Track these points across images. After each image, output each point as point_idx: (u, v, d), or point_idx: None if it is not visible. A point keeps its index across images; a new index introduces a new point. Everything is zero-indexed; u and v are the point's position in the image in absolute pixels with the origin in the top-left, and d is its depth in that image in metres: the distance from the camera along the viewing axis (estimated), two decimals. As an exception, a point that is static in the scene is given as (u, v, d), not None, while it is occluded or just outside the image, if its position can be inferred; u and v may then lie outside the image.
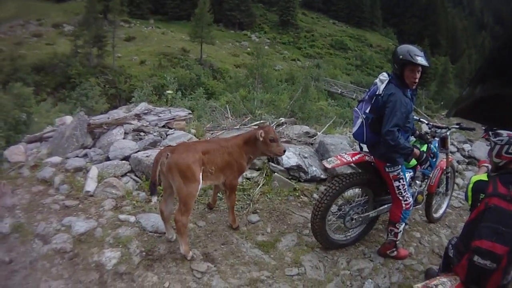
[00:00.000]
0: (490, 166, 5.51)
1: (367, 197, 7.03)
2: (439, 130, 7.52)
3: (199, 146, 6.57)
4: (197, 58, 75.54)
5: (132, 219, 7.51)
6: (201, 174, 6.28)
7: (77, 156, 9.90)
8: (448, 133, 7.70)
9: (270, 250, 6.94)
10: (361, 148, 7.20)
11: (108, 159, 9.49)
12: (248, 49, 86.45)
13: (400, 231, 6.79)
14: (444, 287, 4.87)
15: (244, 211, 7.89)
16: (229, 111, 14.00)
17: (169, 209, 6.72)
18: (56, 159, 9.64)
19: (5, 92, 24.57)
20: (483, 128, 4.88)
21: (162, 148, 8.36)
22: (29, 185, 8.84)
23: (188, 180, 6.14)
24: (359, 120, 6.47)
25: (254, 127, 10.92)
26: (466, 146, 13.78)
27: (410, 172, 6.95)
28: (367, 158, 6.62)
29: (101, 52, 69.01)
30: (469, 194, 5.26)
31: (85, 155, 9.94)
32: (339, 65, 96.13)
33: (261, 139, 6.76)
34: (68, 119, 11.93)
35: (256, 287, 6.14)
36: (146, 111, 11.57)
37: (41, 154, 10.14)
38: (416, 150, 6.37)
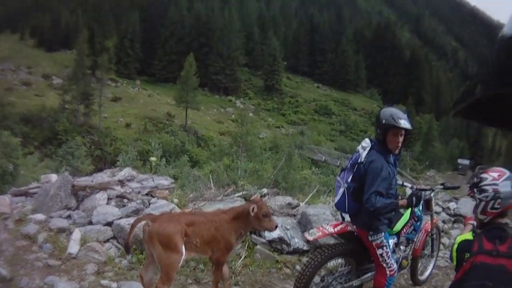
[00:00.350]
0: (475, 223, 5.55)
1: (350, 266, 6.99)
2: (423, 193, 7.55)
3: (183, 218, 6.55)
4: (182, 124, 76.33)
5: (114, 285, 7.47)
6: (183, 245, 6.22)
7: (60, 217, 9.91)
8: (432, 195, 7.75)
9: None
10: (343, 218, 7.11)
11: (91, 223, 9.50)
12: (233, 115, 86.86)
13: None
14: None
15: (227, 283, 7.61)
16: (212, 181, 13.99)
17: (149, 277, 6.61)
18: (40, 216, 9.66)
19: None
20: (468, 185, 4.95)
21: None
22: (13, 239, 8.85)
23: (169, 251, 6.11)
24: (341, 190, 6.53)
25: (237, 198, 11.04)
26: (452, 204, 13.76)
27: (393, 239, 6.95)
28: (349, 228, 6.62)
29: (88, 111, 69.73)
30: (454, 254, 5.29)
31: (69, 217, 9.96)
32: (323, 131, 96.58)
33: (252, 214, 6.51)
34: (53, 177, 11.97)
35: None
36: (130, 178, 11.63)
37: (26, 209, 10.17)
38: (401, 201, 6.35)
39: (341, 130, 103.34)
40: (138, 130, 70.43)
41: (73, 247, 8.42)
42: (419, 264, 8.40)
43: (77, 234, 8.80)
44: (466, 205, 13.09)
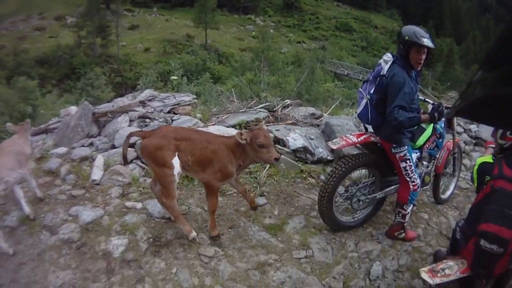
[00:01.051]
0: (496, 148, 5.45)
1: (374, 178, 7.05)
2: (444, 108, 7.45)
3: (175, 133, 6.41)
4: (202, 44, 75.33)
5: (139, 205, 7.56)
6: (174, 160, 6.19)
7: (82, 146, 9.97)
8: None
9: (277, 233, 6.98)
10: (366, 129, 7.06)
11: (114, 147, 9.57)
12: (253, 32, 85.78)
13: (408, 212, 6.82)
14: (451, 271, 4.88)
15: (251, 194, 7.78)
16: (234, 94, 14.05)
17: (158, 188, 6.76)
18: (62, 149, 9.71)
19: (9, 86, 24.57)
20: None
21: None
22: (35, 177, 8.80)
23: (160, 165, 6.17)
24: (364, 101, 6.49)
25: (260, 110, 10.96)
26: (473, 127, 13.62)
27: (416, 153, 6.94)
28: (372, 138, 6.59)
29: (105, 42, 69.14)
30: (475, 176, 5.23)
31: (91, 144, 10.03)
32: (345, 47, 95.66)
33: (242, 142, 6.18)
34: (73, 109, 11.94)
35: (263, 271, 6.21)
36: (151, 98, 11.60)
37: (47, 145, 10.22)
38: (424, 115, 6.29)
39: (363, 46, 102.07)
40: (157, 54, 69.83)
41: (96, 174, 8.48)
42: (441, 183, 8.43)
43: (99, 160, 8.85)
44: (487, 130, 12.65)
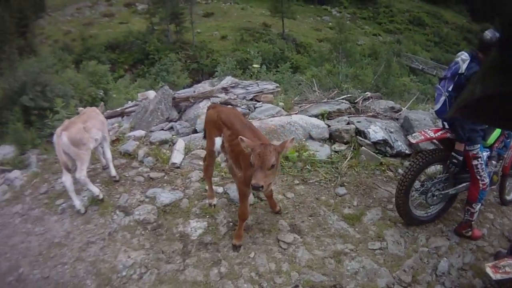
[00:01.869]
0: None
1: (447, 174, 7.01)
2: None
3: (226, 116, 6.31)
4: (279, 33, 74.97)
5: (220, 189, 7.68)
6: (214, 135, 6.42)
7: (162, 130, 10.16)
8: None
9: (355, 223, 7.03)
10: (443, 125, 7.06)
11: (195, 131, 9.76)
12: (330, 23, 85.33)
13: (476, 211, 6.80)
14: (511, 269, 4.89)
15: (332, 184, 7.93)
16: (315, 84, 14.01)
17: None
18: (139, 132, 9.93)
19: (79, 70, 24.91)
20: None
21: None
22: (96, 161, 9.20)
23: (207, 134, 6.72)
24: (442, 98, 6.49)
25: (342, 101, 11.01)
26: None
27: (487, 152, 6.92)
28: (448, 135, 6.60)
29: (179, 29, 69.25)
30: None
31: (171, 128, 10.19)
32: (419, 41, 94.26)
33: (244, 150, 5.48)
34: (151, 93, 12.15)
35: (339, 260, 6.26)
36: (233, 85, 11.72)
37: (123, 128, 10.48)
38: None
39: (435, 41, 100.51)
40: (234, 41, 69.20)
41: (177, 157, 8.65)
42: (507, 183, 8.29)
43: (180, 144, 8.99)
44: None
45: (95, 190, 7.77)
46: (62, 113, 11.62)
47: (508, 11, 1.61)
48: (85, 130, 7.68)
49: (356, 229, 6.88)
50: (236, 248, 6.45)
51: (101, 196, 7.79)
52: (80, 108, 8.92)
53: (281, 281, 5.93)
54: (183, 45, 66.82)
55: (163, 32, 68.57)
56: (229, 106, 10.50)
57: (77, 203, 7.63)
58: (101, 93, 20.25)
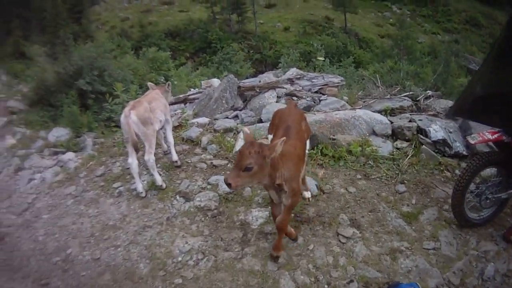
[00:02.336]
0: None
1: (501, 178, 6.89)
2: None
3: (281, 117, 6.19)
4: (342, 27, 74.49)
5: None
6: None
7: (226, 118, 10.19)
8: None
9: (412, 221, 7.00)
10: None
11: (260, 121, 9.77)
12: (391, 20, 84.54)
13: None
14: None
15: (393, 181, 7.93)
16: (379, 80, 13.96)
17: None
18: (203, 119, 10.02)
19: (138, 57, 25.07)
20: None
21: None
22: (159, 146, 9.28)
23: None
24: None
25: (404, 98, 10.97)
26: None
27: None
28: (504, 138, 6.56)
29: (241, 19, 69.35)
30: None
31: (235, 117, 10.22)
32: (475, 42, 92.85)
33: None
34: (215, 81, 12.23)
35: (394, 257, 6.26)
36: (299, 76, 11.73)
37: (186, 115, 10.51)
38: None
39: (490, 43, 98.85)
40: (297, 34, 69.23)
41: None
42: None
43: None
44: None
45: (159, 178, 7.89)
46: (123, 97, 11.74)
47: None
48: (150, 111, 7.82)
49: (413, 227, 6.86)
50: (274, 259, 6.18)
51: (164, 186, 7.90)
52: (150, 83, 9.04)
53: (337, 275, 5.95)
54: (246, 35, 66.85)
55: (225, 22, 68.75)
56: (293, 99, 10.63)
57: (139, 186, 7.75)
58: (161, 80, 20.38)
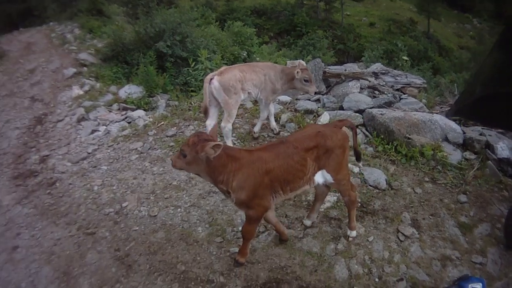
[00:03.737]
0: None
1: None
2: None
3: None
4: (424, 31, 73.21)
5: (356, 169, 7.79)
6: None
7: (308, 100, 10.32)
8: None
9: (467, 232, 6.98)
10: None
11: (341, 108, 9.79)
12: (471, 32, 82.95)
13: None
14: None
15: (456, 189, 7.88)
16: (456, 89, 13.84)
17: None
18: (285, 98, 10.19)
19: (223, 29, 25.08)
20: None
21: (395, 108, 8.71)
22: (251, 117, 9.60)
23: None
24: None
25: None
26: None
27: None
28: None
29: (328, 7, 68.68)
30: None
31: (317, 100, 10.32)
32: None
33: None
34: (301, 63, 12.38)
35: (444, 264, 6.30)
36: (384, 72, 11.72)
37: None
38: None
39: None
40: (382, 31, 68.17)
41: (321, 129, 8.73)
42: None
43: (325, 116, 9.11)
44: None
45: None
46: (206, 63, 11.92)
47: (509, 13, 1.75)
48: (240, 80, 7.82)
49: (466, 238, 6.88)
50: (237, 264, 6.10)
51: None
52: (290, 61, 9.06)
53: (389, 270, 6.06)
54: (332, 24, 66.09)
55: (312, 8, 68.17)
56: (375, 92, 10.76)
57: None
58: (244, 54, 20.44)
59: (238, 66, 8.42)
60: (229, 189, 5.31)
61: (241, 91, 7.96)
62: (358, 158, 6.47)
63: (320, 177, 5.74)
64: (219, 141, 5.00)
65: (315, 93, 9.36)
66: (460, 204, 7.58)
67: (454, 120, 9.41)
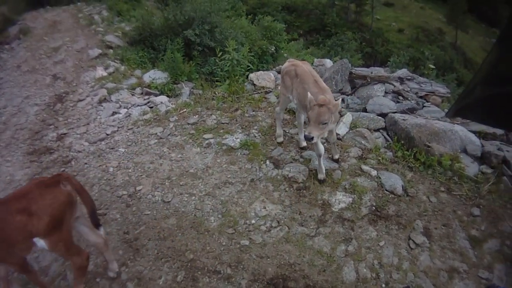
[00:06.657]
0: None
1: None
2: None
3: None
4: (452, 42, 72.97)
5: (373, 172, 7.62)
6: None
7: (334, 99, 10.11)
8: None
9: (476, 246, 6.85)
10: None
11: (364, 110, 9.69)
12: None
13: None
14: None
15: (470, 202, 7.71)
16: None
17: None
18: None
19: (253, 22, 25.00)
20: None
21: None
22: (273, 111, 9.26)
23: None
24: None
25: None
26: None
27: None
28: None
29: (359, 10, 68.37)
30: None
31: (341, 101, 10.03)
32: None
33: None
34: (327, 62, 12.24)
35: (451, 276, 6.18)
36: (409, 77, 11.60)
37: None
38: None
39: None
40: (410, 37, 67.64)
41: (342, 129, 8.67)
42: None
43: (348, 117, 9.00)
44: None
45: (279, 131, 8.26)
46: (234, 55, 11.83)
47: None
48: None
49: (475, 252, 6.75)
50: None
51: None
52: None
53: (397, 277, 5.97)
54: (361, 27, 65.82)
55: (343, 9, 67.85)
56: (399, 98, 10.57)
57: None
58: (272, 49, 20.38)
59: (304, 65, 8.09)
60: None
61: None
62: (97, 224, 5.56)
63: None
64: None
65: (342, 93, 9.35)
66: (472, 217, 7.45)
67: (475, 133, 9.28)
